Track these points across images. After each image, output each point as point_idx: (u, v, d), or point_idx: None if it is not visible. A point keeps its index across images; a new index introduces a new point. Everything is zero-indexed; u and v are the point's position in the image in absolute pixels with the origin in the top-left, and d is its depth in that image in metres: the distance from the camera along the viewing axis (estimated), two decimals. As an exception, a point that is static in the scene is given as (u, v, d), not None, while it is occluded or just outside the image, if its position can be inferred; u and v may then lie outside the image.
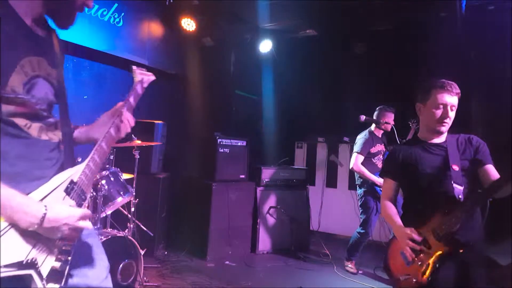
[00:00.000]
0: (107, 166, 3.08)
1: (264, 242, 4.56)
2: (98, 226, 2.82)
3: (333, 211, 5.67)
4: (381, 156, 4.02)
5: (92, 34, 3.96)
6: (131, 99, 1.45)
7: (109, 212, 3.08)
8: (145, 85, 1.52)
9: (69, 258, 1.12)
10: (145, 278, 3.10)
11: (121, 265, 2.75)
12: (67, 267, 1.11)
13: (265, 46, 5.45)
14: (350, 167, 3.97)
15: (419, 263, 1.81)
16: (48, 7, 1.22)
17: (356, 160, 3.89)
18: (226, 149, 4.44)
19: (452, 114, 1.91)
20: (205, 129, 5.00)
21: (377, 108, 4.05)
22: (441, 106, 1.89)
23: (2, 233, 0.98)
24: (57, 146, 1.27)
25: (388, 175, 2.11)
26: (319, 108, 5.79)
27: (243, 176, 4.59)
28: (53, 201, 1.09)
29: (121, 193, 3.05)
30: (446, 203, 1.81)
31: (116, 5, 4.23)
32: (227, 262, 4.12)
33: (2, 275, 0.95)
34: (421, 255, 1.81)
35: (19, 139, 1.13)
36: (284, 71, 5.86)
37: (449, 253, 1.77)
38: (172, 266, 3.80)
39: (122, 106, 1.41)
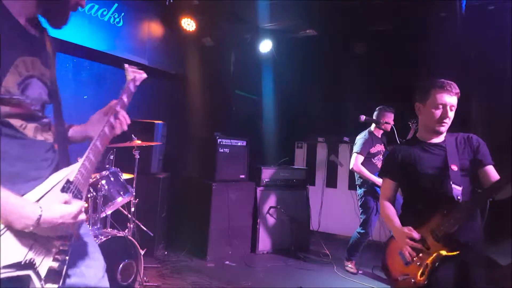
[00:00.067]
0: (107, 166, 3.08)
1: (264, 242, 4.56)
2: (98, 226, 2.82)
3: (333, 211, 5.67)
4: (381, 156, 4.01)
5: (92, 34, 3.96)
6: (124, 98, 1.45)
7: (109, 212, 3.08)
8: (138, 83, 1.52)
9: (67, 258, 1.12)
10: (145, 278, 3.10)
11: (121, 265, 2.75)
12: (65, 267, 1.11)
13: (265, 46, 5.45)
14: (350, 167, 3.97)
15: (418, 263, 1.81)
16: (42, 7, 1.22)
17: (356, 161, 3.89)
18: (226, 149, 4.44)
19: (451, 114, 1.91)
20: (205, 129, 5.00)
21: (377, 108, 4.05)
22: (441, 106, 1.88)
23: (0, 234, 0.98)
24: (52, 147, 1.27)
25: (387, 175, 2.11)
26: (319, 108, 5.79)
27: (243, 176, 4.60)
28: (50, 201, 1.08)
29: (121, 193, 3.05)
30: (445, 203, 1.81)
31: (116, 5, 4.23)
32: (227, 262, 4.12)
33: (1, 276, 0.95)
34: (420, 255, 1.81)
35: (15, 139, 1.13)
36: (284, 71, 5.86)
37: (448, 253, 1.76)
38: (172, 266, 3.80)
39: (116, 104, 1.40)
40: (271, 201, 4.68)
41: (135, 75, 1.51)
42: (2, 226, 0.99)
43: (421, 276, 1.79)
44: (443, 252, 1.77)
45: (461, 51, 4.18)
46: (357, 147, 3.95)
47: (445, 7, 4.27)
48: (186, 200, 4.57)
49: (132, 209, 3.34)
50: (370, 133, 4.04)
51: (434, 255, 1.78)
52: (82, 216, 1.14)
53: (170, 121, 4.50)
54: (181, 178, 4.73)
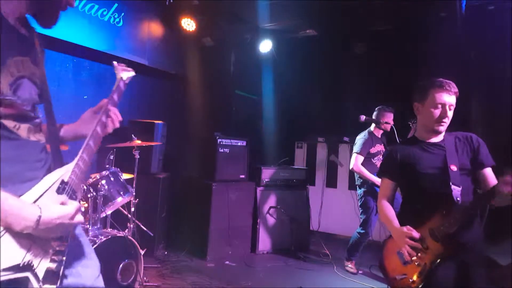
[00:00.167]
0: (107, 166, 3.08)
1: (264, 242, 4.56)
2: (98, 226, 2.82)
3: (333, 211, 5.67)
4: (381, 157, 4.00)
5: (92, 34, 3.96)
6: (115, 96, 1.44)
7: (109, 212, 3.08)
8: (127, 81, 1.51)
9: (64, 258, 1.12)
10: (145, 278, 3.10)
11: (121, 265, 2.75)
12: (62, 268, 1.11)
13: (265, 46, 5.45)
14: (350, 167, 3.97)
15: (416, 263, 1.80)
16: (32, 7, 1.21)
17: (356, 161, 3.89)
18: (226, 149, 4.44)
19: (450, 114, 1.90)
20: (205, 129, 5.00)
21: (376, 108, 4.05)
22: (440, 106, 1.88)
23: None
24: (45, 147, 1.27)
25: (386, 175, 2.10)
26: (319, 108, 5.79)
27: (243, 176, 4.60)
28: (46, 202, 1.08)
29: (121, 193, 3.05)
30: (444, 204, 1.80)
31: (116, 5, 4.23)
32: (227, 262, 4.12)
33: (1, 279, 0.95)
34: (419, 254, 1.80)
35: (9, 141, 1.12)
36: (284, 71, 5.86)
37: (447, 254, 1.76)
38: (172, 266, 3.80)
39: (107, 103, 1.40)
40: (271, 201, 4.68)
41: (124, 73, 1.50)
42: (1, 228, 0.99)
43: (419, 276, 1.78)
44: (443, 253, 1.76)
45: (461, 51, 4.17)
46: (357, 147, 3.95)
47: (445, 7, 4.27)
48: (186, 200, 4.57)
49: (132, 209, 3.34)
50: (370, 133, 4.04)
51: (433, 255, 1.77)
52: (79, 218, 1.14)
53: (170, 121, 4.50)
54: (181, 178, 4.73)
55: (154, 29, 4.87)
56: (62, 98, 3.78)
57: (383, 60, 5.03)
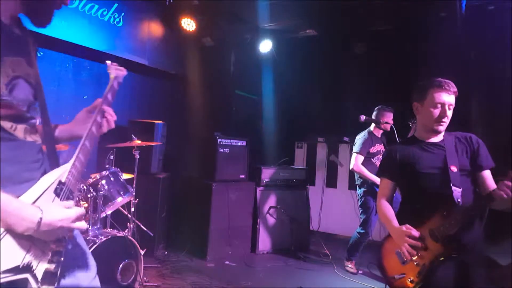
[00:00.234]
0: (107, 166, 3.08)
1: (264, 242, 4.56)
2: (98, 226, 2.82)
3: (333, 211, 5.67)
4: (381, 156, 4.01)
5: (92, 34, 3.97)
6: (109, 96, 1.43)
7: (109, 212, 3.08)
8: (120, 80, 1.51)
9: (62, 259, 1.12)
10: (145, 278, 3.10)
11: (121, 265, 2.75)
12: (60, 269, 1.11)
13: (265, 46, 5.45)
14: (350, 167, 3.97)
15: (415, 263, 1.80)
16: (26, 6, 1.20)
17: (356, 161, 3.89)
18: (226, 149, 4.44)
19: (449, 113, 1.90)
20: (205, 129, 5.00)
21: (376, 108, 4.05)
22: (439, 105, 1.88)
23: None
24: (41, 148, 1.27)
25: (385, 175, 2.09)
26: (319, 108, 5.79)
27: (243, 176, 4.60)
28: (45, 203, 1.08)
29: (121, 193, 3.05)
30: (444, 204, 1.80)
31: (116, 5, 4.23)
32: (227, 262, 4.12)
33: (1, 281, 0.95)
34: (418, 254, 1.80)
35: (6, 142, 1.12)
36: (284, 71, 5.86)
37: (447, 254, 1.76)
38: (172, 266, 3.80)
39: (101, 103, 1.39)
40: (271, 201, 4.68)
41: (117, 73, 1.50)
42: (2, 229, 0.99)
43: (418, 275, 1.78)
44: (442, 253, 1.76)
45: (461, 51, 4.17)
46: (356, 147, 3.95)
47: (445, 7, 4.27)
48: (186, 200, 4.57)
49: (132, 209, 3.34)
50: (370, 133, 4.04)
51: (432, 255, 1.77)
52: (82, 224, 1.13)
53: (170, 121, 4.50)
54: (181, 178, 4.73)
55: (154, 29, 4.87)
56: (62, 98, 3.79)
57: (383, 60, 5.03)
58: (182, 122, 5.04)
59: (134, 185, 3.34)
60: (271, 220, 4.63)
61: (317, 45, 5.59)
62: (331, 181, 5.83)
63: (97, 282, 1.37)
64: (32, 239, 1.04)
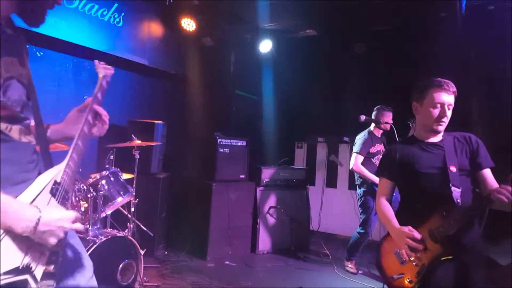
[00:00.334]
0: (107, 166, 3.08)
1: (264, 242, 4.56)
2: (98, 226, 2.81)
3: (333, 211, 5.67)
4: (381, 156, 4.01)
5: (92, 34, 3.97)
6: (99, 95, 1.44)
7: (109, 212, 3.08)
8: (108, 79, 1.52)
9: (60, 259, 1.12)
10: (145, 278, 3.10)
11: (121, 265, 2.75)
12: (58, 268, 1.11)
13: (265, 46, 5.45)
14: (350, 167, 3.97)
15: (415, 263, 1.80)
16: (18, 6, 1.20)
17: (355, 161, 3.89)
18: (226, 149, 4.44)
19: (449, 113, 1.90)
20: (205, 129, 5.00)
21: (375, 108, 4.05)
22: (439, 105, 1.88)
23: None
24: (35, 148, 1.27)
25: (384, 175, 2.09)
26: (319, 108, 5.79)
27: (243, 176, 4.60)
28: (41, 204, 1.08)
29: (121, 193, 3.05)
30: (444, 204, 1.80)
31: (116, 5, 4.23)
32: (227, 262, 4.12)
33: (1, 282, 0.95)
34: (418, 254, 1.79)
35: (2, 143, 1.11)
36: (284, 71, 5.86)
37: (446, 254, 1.76)
38: (172, 266, 3.80)
39: (92, 102, 1.39)
40: (271, 201, 4.68)
41: (106, 72, 1.51)
42: (1, 231, 0.99)
43: (417, 276, 1.78)
44: (442, 253, 1.76)
45: (461, 51, 4.17)
46: (356, 147, 3.96)
47: (445, 7, 4.27)
48: (186, 200, 4.57)
49: (132, 209, 3.34)
50: (370, 133, 4.04)
51: (432, 255, 1.77)
52: (78, 226, 1.13)
53: (170, 121, 4.50)
54: (181, 178, 4.73)
55: (154, 29, 4.87)
56: (62, 98, 3.79)
57: (383, 60, 5.03)
58: (182, 122, 5.04)
59: (134, 185, 3.34)
60: (271, 220, 4.63)
61: (317, 45, 5.59)
62: (331, 181, 5.83)
63: (94, 282, 1.37)
64: (31, 240, 1.04)
